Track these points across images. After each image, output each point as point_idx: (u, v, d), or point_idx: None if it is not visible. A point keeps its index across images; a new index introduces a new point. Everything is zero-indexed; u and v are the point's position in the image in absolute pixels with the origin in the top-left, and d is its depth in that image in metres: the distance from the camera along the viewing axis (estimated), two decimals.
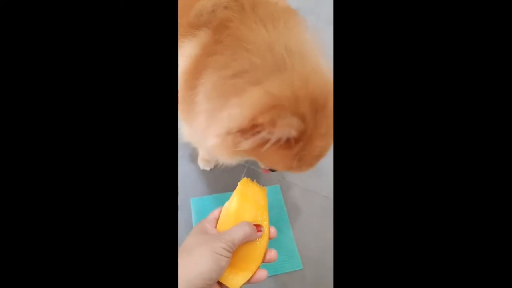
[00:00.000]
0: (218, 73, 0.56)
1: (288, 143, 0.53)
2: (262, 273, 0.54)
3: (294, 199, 1.02)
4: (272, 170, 0.69)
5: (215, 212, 0.57)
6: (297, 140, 0.53)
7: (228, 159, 0.65)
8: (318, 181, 1.05)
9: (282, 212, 0.98)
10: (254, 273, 0.53)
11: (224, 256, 0.47)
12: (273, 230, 0.56)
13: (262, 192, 0.59)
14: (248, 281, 0.52)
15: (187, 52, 0.62)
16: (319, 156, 0.58)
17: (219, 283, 0.51)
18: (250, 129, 0.51)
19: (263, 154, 0.55)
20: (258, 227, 0.53)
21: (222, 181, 1.02)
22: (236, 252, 0.50)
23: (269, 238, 0.55)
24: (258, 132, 0.50)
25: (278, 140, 0.52)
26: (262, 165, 0.70)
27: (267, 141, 0.52)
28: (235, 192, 0.57)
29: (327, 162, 1.05)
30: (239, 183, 0.58)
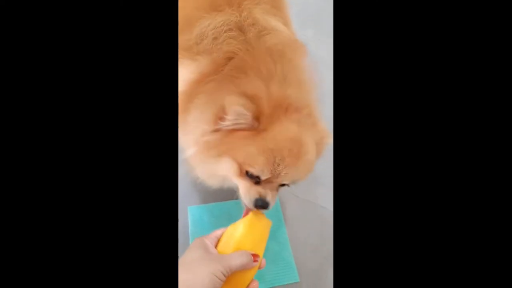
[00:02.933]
0: (210, 95, 0.61)
1: (249, 127, 0.56)
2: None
3: (292, 209, 1.01)
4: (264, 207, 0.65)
5: (218, 232, 0.60)
6: (257, 122, 0.56)
7: (206, 171, 0.69)
8: (317, 191, 1.04)
9: (280, 223, 0.97)
10: None
11: (220, 280, 0.50)
12: (263, 261, 0.60)
13: (267, 225, 0.62)
14: None
15: (185, 76, 0.65)
16: (297, 153, 0.58)
17: None
18: (215, 122, 0.57)
19: (233, 146, 0.58)
20: (255, 257, 0.55)
21: (220, 190, 1.00)
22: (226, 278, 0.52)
23: (258, 268, 0.59)
24: (221, 122, 0.56)
25: (240, 124, 0.56)
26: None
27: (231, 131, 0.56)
28: (244, 219, 0.60)
29: (327, 172, 1.05)
30: (251, 212, 0.61)
